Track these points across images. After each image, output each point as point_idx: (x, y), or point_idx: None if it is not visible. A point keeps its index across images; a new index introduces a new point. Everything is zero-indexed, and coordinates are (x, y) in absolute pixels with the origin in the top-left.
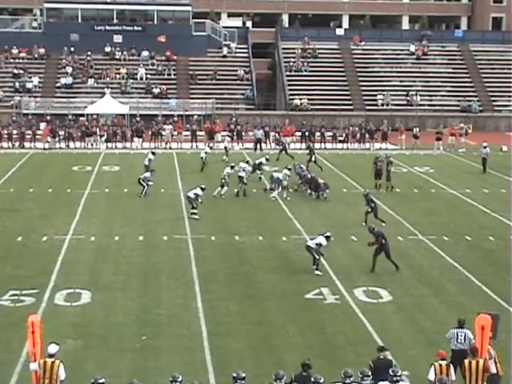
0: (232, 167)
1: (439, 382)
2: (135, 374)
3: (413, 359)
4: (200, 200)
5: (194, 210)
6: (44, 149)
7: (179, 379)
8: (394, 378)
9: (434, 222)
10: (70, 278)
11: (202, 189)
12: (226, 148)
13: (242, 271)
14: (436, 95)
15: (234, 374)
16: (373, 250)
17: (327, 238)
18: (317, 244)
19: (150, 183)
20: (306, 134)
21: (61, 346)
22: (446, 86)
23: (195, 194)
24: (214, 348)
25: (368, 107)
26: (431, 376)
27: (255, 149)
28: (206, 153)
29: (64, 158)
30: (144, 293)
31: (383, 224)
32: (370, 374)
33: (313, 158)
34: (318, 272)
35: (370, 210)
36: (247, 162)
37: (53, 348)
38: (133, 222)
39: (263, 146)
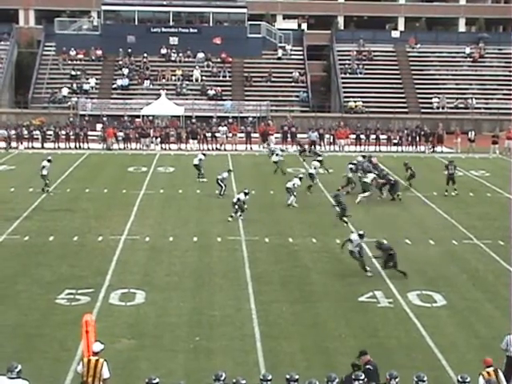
0: (301, 179)
1: (488, 383)
2: (188, 374)
3: (467, 364)
4: (245, 205)
5: (232, 214)
6: (109, 149)
7: (222, 377)
8: None
9: (489, 226)
10: (125, 278)
11: (246, 193)
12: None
13: (295, 273)
14: (492, 98)
15: (288, 376)
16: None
17: (360, 235)
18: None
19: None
20: (361, 136)
21: (115, 345)
22: (502, 89)
23: (238, 198)
24: (266, 350)
25: (423, 110)
26: None
27: (309, 151)
28: (277, 154)
29: (120, 158)
30: (197, 294)
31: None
32: (425, 378)
33: None
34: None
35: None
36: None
37: (97, 346)
38: (187, 222)
39: (317, 148)
